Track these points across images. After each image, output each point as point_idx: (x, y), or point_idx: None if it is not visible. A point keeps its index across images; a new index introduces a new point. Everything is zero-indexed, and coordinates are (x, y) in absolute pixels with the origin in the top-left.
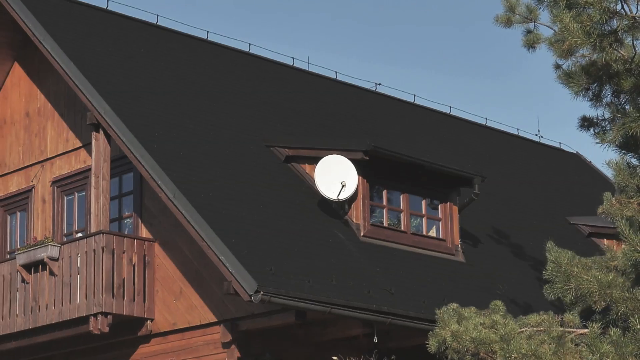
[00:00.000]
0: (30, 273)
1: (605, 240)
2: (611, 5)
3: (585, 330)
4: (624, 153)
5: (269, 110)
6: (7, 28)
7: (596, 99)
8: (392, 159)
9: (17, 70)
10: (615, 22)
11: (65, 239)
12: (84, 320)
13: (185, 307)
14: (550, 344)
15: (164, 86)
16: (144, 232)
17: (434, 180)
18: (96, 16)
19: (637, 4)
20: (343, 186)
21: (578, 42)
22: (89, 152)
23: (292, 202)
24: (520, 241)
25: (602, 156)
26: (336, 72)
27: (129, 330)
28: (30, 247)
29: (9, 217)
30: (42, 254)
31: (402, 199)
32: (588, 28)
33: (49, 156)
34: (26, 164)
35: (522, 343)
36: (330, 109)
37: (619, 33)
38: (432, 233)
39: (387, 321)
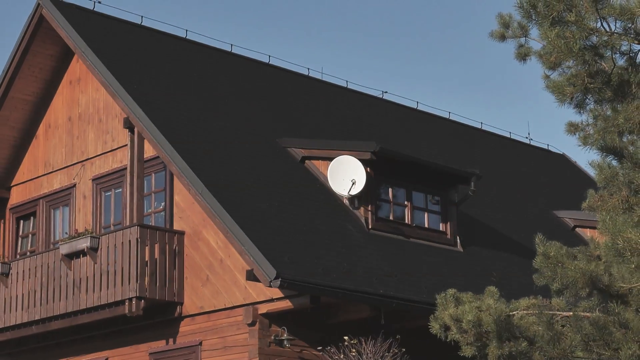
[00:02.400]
0: (72, 261)
1: (588, 231)
2: (591, 23)
3: (570, 313)
4: (605, 155)
5: (287, 115)
6: (52, 42)
7: (580, 106)
8: (397, 159)
9: (60, 80)
10: (595, 38)
11: (103, 231)
12: (120, 303)
13: (211, 292)
14: (539, 325)
15: (192, 93)
16: (174, 225)
17: (435, 178)
18: (131, 31)
19: (615, 21)
20: (353, 183)
21: (563, 56)
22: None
23: (307, 198)
24: (512, 233)
25: (586, 157)
26: (347, 81)
27: (161, 313)
28: (72, 238)
29: (53, 212)
30: (83, 244)
31: (406, 195)
32: (571, 43)
33: (89, 156)
34: (69, 164)
35: (514, 325)
36: (342, 114)
37: (599, 48)
38: (433, 226)
39: (393, 305)
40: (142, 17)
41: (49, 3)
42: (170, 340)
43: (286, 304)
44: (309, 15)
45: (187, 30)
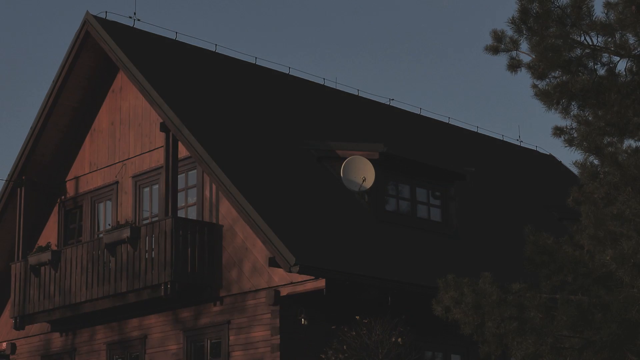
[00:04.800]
0: (115, 249)
1: (572, 223)
2: (576, 37)
3: (557, 296)
4: (587, 155)
5: (305, 120)
6: (97, 56)
7: (565, 112)
8: (403, 159)
9: (103, 89)
10: (579, 50)
11: (142, 223)
12: (157, 287)
13: (238, 277)
14: (530, 307)
15: (221, 101)
16: (205, 217)
17: (436, 176)
18: (167, 45)
19: (598, 36)
20: (364, 180)
21: (549, 67)
22: (162, 153)
23: (323, 194)
24: (505, 224)
25: (571, 157)
26: (358, 90)
27: (193, 295)
28: (114, 229)
29: (97, 205)
30: (124, 234)
31: (410, 191)
32: (557, 56)
33: (129, 156)
34: (111, 163)
35: (507, 308)
36: (354, 119)
37: (583, 59)
38: (434, 218)
39: (399, 288)
40: (176, 32)
41: (94, 20)
42: (202, 320)
43: (304, 287)
44: (324, 31)
45: (216, 45)
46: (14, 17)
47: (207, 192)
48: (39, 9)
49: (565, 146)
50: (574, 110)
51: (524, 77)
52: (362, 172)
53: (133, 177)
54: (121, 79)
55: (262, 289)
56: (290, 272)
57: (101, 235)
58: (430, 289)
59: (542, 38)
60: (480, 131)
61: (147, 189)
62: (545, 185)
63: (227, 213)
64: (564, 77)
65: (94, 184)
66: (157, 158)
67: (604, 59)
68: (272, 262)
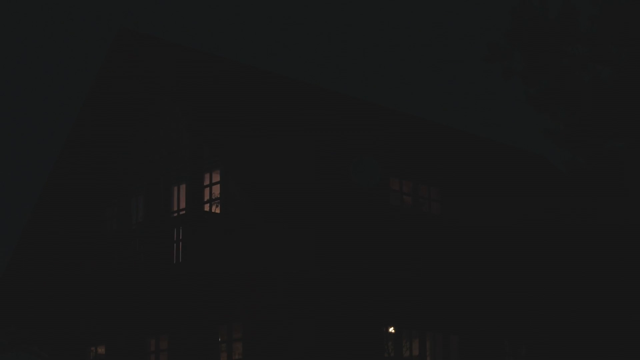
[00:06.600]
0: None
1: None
2: (564, 48)
3: None
4: (575, 155)
5: (316, 123)
6: (128, 67)
7: (555, 115)
8: (404, 159)
9: (136, 97)
10: (567, 60)
11: (172, 215)
12: None
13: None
14: None
15: (241, 106)
16: (228, 212)
17: (434, 173)
18: (194, 55)
19: (584, 46)
20: (371, 178)
21: (541, 75)
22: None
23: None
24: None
25: (560, 157)
26: (363, 95)
27: None
28: (146, 222)
29: (131, 200)
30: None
31: (413, 187)
32: (548, 65)
33: (160, 157)
34: (142, 162)
35: None
36: (360, 121)
37: (570, 68)
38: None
39: None
40: (202, 44)
41: (127, 32)
42: None
43: None
44: (328, 38)
45: (239, 55)
46: (50, 27)
47: (229, 189)
48: (77, 18)
49: (555, 147)
50: (563, 114)
51: (519, 83)
52: (369, 170)
53: (163, 174)
54: (152, 87)
55: None
56: None
57: (136, 227)
58: None
59: (533, 48)
60: (476, 132)
61: (175, 186)
62: (538, 182)
63: (245, 208)
64: (553, 84)
65: (126, 182)
66: (185, 158)
67: (589, 68)
68: None
